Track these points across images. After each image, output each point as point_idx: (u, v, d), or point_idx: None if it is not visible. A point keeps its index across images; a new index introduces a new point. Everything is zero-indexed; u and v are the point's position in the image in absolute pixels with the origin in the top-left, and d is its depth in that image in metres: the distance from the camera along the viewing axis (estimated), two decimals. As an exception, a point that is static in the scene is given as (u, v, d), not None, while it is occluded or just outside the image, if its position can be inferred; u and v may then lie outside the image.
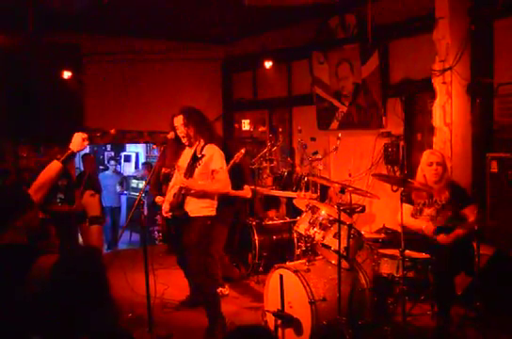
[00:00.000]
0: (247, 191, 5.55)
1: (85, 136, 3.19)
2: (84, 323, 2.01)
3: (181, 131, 4.42)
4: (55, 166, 3.04)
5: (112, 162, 10.75)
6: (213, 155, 4.34)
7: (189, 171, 4.31)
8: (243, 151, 5.42)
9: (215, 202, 4.49)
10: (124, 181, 10.78)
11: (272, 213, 6.62)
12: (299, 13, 7.04)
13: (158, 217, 4.91)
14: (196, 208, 4.38)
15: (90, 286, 2.06)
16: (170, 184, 4.66)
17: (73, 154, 3.17)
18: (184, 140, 4.45)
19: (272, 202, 6.88)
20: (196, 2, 6.48)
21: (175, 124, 4.44)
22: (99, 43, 7.88)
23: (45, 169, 3.04)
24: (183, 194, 4.35)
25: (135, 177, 11.25)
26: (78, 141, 3.17)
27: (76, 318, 2.01)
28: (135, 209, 4.01)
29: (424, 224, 4.36)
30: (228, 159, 4.96)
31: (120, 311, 4.35)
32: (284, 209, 6.67)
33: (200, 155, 4.24)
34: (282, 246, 6.11)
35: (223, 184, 4.41)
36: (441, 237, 4.26)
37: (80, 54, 7.49)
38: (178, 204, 4.36)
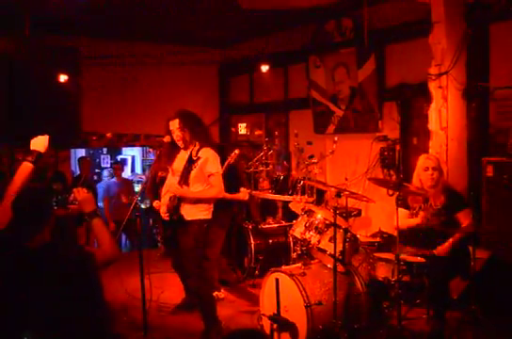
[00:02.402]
0: (243, 194, 5.55)
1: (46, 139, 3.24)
2: (77, 326, 2.01)
3: (176, 135, 4.41)
4: (26, 167, 3.08)
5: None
6: (208, 158, 4.33)
7: (184, 176, 4.30)
8: (237, 151, 5.39)
9: (211, 206, 4.48)
10: (132, 189, 8.98)
11: (269, 219, 6.60)
12: (296, 17, 7.06)
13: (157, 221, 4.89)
14: (192, 212, 4.37)
15: (82, 290, 2.06)
16: (165, 187, 4.65)
17: (41, 155, 3.19)
18: (180, 144, 4.45)
19: (269, 207, 6.87)
20: (193, 6, 6.49)
21: (171, 128, 4.43)
22: (96, 47, 7.88)
23: (18, 173, 3.07)
24: (178, 198, 4.34)
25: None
26: (41, 142, 3.22)
27: (68, 322, 2.01)
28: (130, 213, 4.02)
29: (418, 220, 4.37)
30: (223, 162, 4.95)
31: (115, 314, 4.34)
32: (280, 213, 6.66)
33: (195, 158, 4.23)
34: (278, 249, 6.09)
35: (217, 190, 4.40)
36: (439, 249, 4.25)
37: (77, 57, 7.47)
38: (174, 208, 4.36)
